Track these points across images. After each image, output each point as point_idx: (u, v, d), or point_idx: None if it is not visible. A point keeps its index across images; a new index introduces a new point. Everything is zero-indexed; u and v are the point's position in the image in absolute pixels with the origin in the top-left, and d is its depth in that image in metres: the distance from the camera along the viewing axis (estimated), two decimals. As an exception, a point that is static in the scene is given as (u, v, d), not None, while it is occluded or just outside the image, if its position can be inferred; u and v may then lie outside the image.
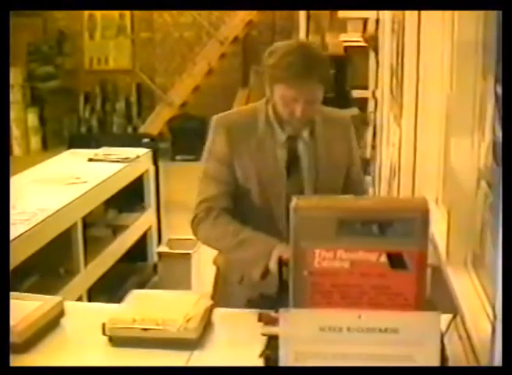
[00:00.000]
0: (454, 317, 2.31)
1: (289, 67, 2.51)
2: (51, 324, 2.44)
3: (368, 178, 6.96)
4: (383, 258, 1.83)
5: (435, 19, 3.91)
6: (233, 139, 2.70)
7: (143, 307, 2.47)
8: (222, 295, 2.79)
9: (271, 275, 2.51)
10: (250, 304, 2.66)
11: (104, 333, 2.34)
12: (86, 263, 4.44)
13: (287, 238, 2.65)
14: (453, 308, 2.60)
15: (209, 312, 2.48)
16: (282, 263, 2.43)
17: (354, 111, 8.82)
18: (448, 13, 3.61)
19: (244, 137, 2.70)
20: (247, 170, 2.69)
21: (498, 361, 1.88)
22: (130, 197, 5.48)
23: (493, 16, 2.70)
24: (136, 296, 2.58)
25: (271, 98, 2.66)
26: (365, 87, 8.02)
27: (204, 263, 4.75)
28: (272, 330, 2.07)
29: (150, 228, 5.75)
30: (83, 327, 2.48)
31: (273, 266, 2.47)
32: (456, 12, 3.05)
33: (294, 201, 1.87)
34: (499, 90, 2.54)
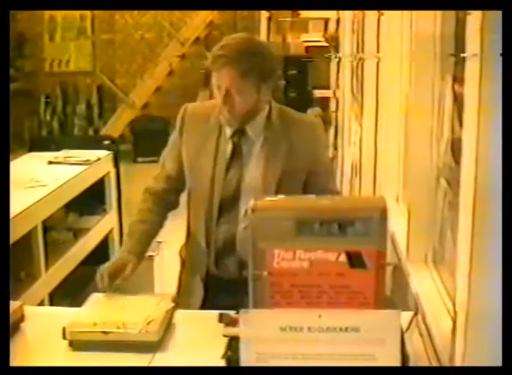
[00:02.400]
0: (415, 315, 2.32)
1: (216, 56, 2.59)
2: (11, 329, 2.41)
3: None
4: (342, 258, 1.84)
5: (394, 19, 3.93)
6: (185, 128, 2.78)
7: (104, 310, 2.46)
8: (186, 287, 2.84)
9: None
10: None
11: (64, 337, 2.32)
12: (47, 267, 4.40)
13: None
14: (413, 305, 2.62)
15: (170, 314, 2.46)
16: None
17: (317, 111, 8.86)
18: (406, 12, 3.63)
19: (195, 128, 2.76)
20: (191, 159, 2.75)
21: (459, 357, 1.90)
22: (91, 200, 5.44)
23: (451, 16, 2.72)
24: (96, 299, 2.56)
25: None
26: (327, 87, 8.06)
27: (167, 266, 4.73)
28: (233, 331, 2.06)
29: (111, 231, 5.70)
30: (44, 332, 2.45)
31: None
32: (415, 11, 3.06)
33: (252, 202, 1.86)
34: (458, 89, 2.57)
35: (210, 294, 2.76)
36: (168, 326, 2.41)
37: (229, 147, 2.71)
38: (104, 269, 2.63)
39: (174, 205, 2.91)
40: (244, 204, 2.67)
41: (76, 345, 2.32)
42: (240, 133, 2.70)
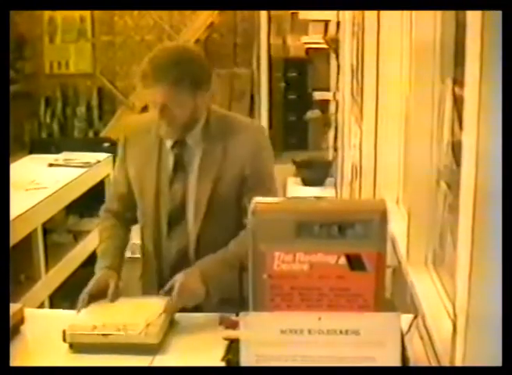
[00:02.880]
0: (415, 318, 2.32)
1: (144, 72, 2.53)
2: (11, 332, 2.41)
3: (330, 180, 6.99)
4: (342, 260, 1.84)
5: (393, 21, 3.92)
6: (128, 144, 2.75)
7: (104, 313, 2.46)
8: None
9: None
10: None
11: (64, 339, 2.32)
12: (47, 269, 4.41)
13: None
14: (414, 308, 2.62)
15: (170, 316, 2.46)
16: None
17: (316, 113, 8.86)
18: (406, 14, 3.62)
19: (137, 143, 2.72)
20: (135, 175, 2.72)
21: (459, 360, 1.89)
22: (91, 202, 5.43)
23: (451, 17, 2.71)
24: (97, 302, 2.56)
25: None
26: (327, 89, 8.05)
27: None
28: (233, 333, 2.06)
29: (112, 233, 5.70)
30: (44, 334, 2.45)
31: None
32: (414, 13, 3.06)
33: (253, 204, 1.86)
34: (458, 91, 2.56)
35: None
36: (168, 328, 2.41)
37: (171, 159, 2.67)
38: (85, 292, 2.55)
39: (132, 223, 2.88)
40: (192, 216, 2.65)
41: (76, 348, 2.32)
42: (180, 143, 2.65)
